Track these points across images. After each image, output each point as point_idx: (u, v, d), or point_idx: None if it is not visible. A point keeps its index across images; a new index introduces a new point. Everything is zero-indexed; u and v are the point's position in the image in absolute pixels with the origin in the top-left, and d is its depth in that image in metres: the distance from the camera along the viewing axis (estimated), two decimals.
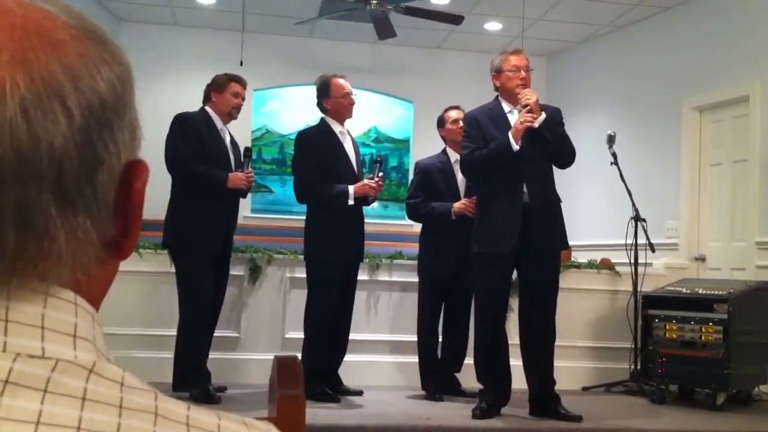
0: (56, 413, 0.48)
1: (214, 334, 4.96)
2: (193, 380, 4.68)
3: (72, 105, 0.52)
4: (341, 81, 5.11)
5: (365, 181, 5.00)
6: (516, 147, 4.38)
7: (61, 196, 0.52)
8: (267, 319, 5.64)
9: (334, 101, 5.08)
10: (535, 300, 4.52)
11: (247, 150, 5.11)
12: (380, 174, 5.05)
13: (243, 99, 5.09)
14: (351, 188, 4.92)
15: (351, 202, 4.91)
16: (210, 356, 4.86)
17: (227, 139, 5.02)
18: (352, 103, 5.14)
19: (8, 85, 0.50)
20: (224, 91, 4.99)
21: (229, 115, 5.02)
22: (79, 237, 0.54)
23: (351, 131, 5.28)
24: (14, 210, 0.50)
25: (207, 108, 5.00)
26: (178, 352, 4.75)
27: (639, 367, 5.50)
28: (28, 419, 0.47)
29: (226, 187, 4.81)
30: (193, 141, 4.77)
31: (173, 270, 4.85)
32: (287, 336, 5.58)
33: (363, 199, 5.03)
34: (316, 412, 4.25)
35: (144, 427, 0.50)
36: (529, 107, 4.40)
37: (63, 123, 0.51)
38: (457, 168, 5.20)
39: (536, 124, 4.39)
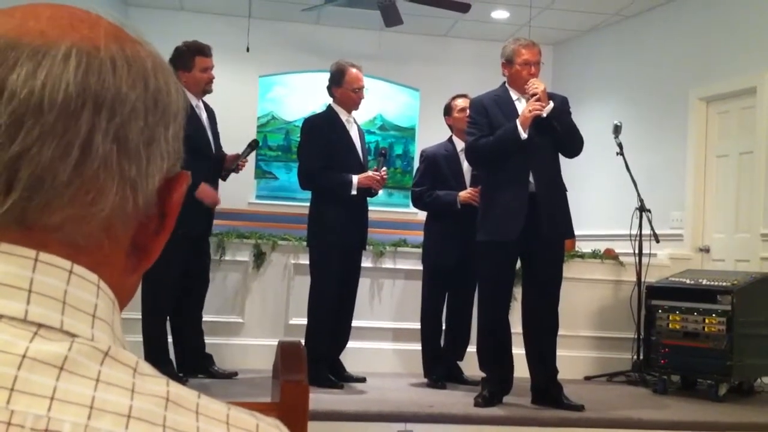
0: (70, 391, 0.50)
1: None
2: (158, 364, 4.64)
3: (150, 83, 0.59)
4: (356, 73, 5.03)
5: (370, 173, 4.98)
6: (524, 135, 4.36)
7: (121, 150, 0.56)
8: (271, 305, 5.65)
9: (344, 91, 5.04)
10: (539, 289, 4.51)
11: (255, 142, 5.10)
12: (384, 168, 5.04)
13: (212, 67, 4.78)
14: (355, 178, 4.90)
15: (354, 192, 4.90)
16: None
17: (203, 117, 4.77)
18: (361, 98, 5.10)
19: (103, 43, 0.57)
20: (192, 69, 4.68)
21: (204, 91, 4.77)
22: (122, 204, 0.57)
23: (357, 119, 5.27)
24: (80, 144, 0.54)
25: None
26: (144, 336, 4.59)
27: (641, 357, 5.51)
28: (44, 394, 0.49)
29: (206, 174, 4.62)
30: None
31: None
32: (291, 322, 5.59)
33: (367, 190, 5.02)
34: (319, 398, 4.27)
35: (155, 410, 0.51)
36: (537, 96, 4.38)
37: (139, 89, 0.58)
38: (462, 156, 5.19)
39: (544, 114, 4.37)
